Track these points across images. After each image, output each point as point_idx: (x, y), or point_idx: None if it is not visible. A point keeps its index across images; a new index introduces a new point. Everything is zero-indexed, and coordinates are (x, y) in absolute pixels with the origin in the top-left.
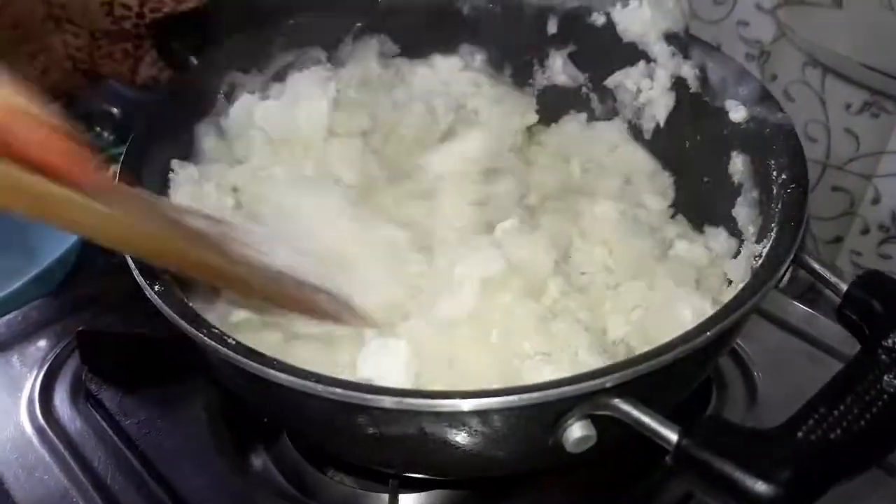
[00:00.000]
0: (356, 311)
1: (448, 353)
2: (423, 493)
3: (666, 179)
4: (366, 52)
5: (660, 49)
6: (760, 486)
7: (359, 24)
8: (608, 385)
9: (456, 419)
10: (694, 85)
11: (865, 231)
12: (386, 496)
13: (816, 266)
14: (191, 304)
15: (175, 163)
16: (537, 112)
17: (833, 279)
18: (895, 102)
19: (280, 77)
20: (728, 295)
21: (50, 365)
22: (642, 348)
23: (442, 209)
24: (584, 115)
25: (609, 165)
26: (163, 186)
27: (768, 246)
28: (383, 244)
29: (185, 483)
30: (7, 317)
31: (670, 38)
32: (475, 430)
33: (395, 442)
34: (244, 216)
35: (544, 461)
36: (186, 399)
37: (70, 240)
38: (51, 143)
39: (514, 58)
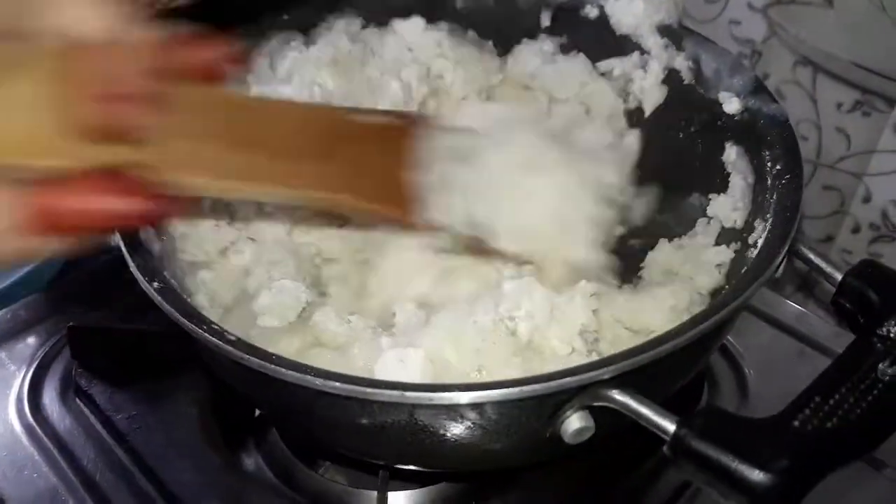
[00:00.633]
0: None
1: (475, 359)
2: (413, 491)
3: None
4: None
5: (653, 41)
6: (757, 475)
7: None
8: (606, 376)
9: (455, 412)
10: (687, 76)
11: (856, 230)
12: (374, 493)
13: (812, 256)
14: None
15: None
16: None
17: (828, 269)
18: (886, 101)
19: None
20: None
21: (39, 362)
22: None
23: None
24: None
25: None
26: None
27: (763, 236)
28: None
29: (174, 479)
30: None
31: (663, 30)
32: (474, 423)
33: (393, 435)
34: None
35: (542, 453)
36: (177, 394)
37: None
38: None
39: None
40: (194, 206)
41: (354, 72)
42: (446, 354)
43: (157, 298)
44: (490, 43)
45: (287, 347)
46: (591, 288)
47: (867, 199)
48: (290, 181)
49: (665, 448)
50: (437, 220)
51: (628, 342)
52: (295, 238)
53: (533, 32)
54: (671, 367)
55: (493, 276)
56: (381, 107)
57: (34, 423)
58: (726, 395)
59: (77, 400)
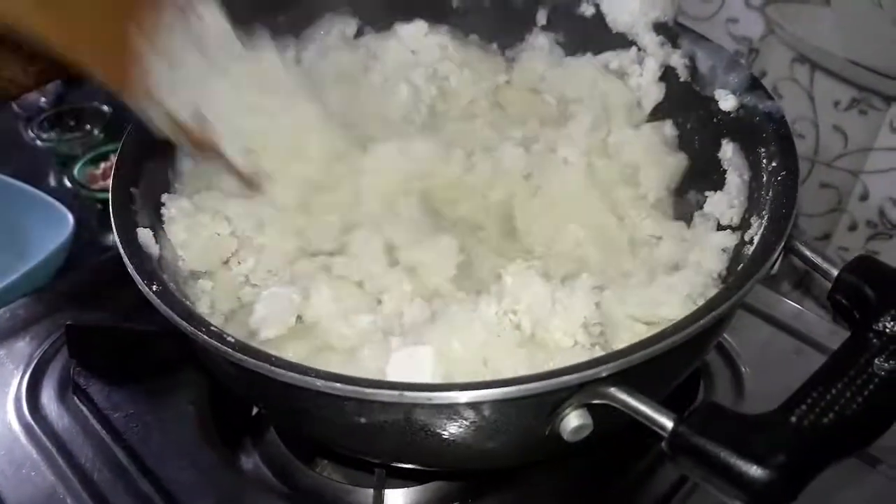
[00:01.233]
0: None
1: (480, 352)
2: (409, 489)
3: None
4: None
5: (649, 39)
6: (755, 471)
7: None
8: (604, 374)
9: (454, 411)
10: (683, 74)
11: (853, 227)
12: (370, 491)
13: (807, 252)
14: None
15: (165, 197)
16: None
17: (824, 265)
18: (883, 99)
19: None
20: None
21: (37, 362)
22: None
23: None
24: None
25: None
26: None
27: (759, 233)
28: None
29: (172, 477)
30: None
31: (659, 27)
32: (472, 422)
33: (392, 434)
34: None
35: (541, 451)
36: (175, 393)
37: (61, 237)
38: None
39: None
40: None
41: (358, 80)
42: (454, 349)
43: (156, 301)
44: (494, 45)
45: (295, 353)
46: (592, 281)
47: (864, 197)
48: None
49: (663, 444)
50: (158, 94)
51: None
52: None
53: (529, 31)
54: (669, 364)
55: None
56: (391, 112)
57: (32, 422)
58: (722, 393)
59: (75, 399)
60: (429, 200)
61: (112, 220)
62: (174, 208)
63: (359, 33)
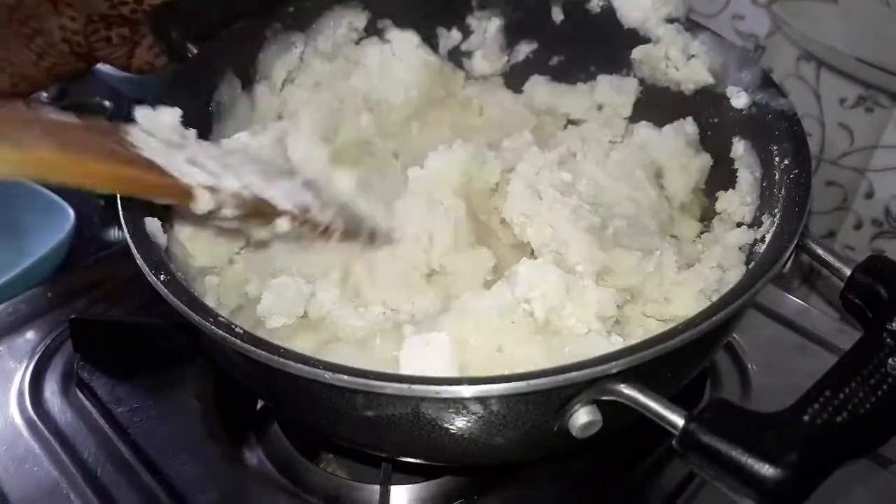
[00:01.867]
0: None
1: (495, 339)
2: (415, 486)
3: None
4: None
5: (664, 30)
6: (767, 469)
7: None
8: (614, 371)
9: (462, 405)
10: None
11: (859, 226)
12: (376, 487)
13: (820, 251)
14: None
15: None
16: None
17: (837, 264)
18: (889, 97)
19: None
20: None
21: (40, 357)
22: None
23: None
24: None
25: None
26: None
27: (771, 231)
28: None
29: (176, 472)
30: None
31: (671, 23)
32: (480, 416)
33: (399, 428)
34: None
35: (549, 447)
36: (179, 388)
37: (60, 234)
38: None
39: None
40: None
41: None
42: (468, 336)
43: (164, 291)
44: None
45: (303, 344)
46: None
47: (870, 195)
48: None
49: (674, 442)
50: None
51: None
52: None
53: (542, 29)
54: (679, 362)
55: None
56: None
57: (35, 417)
58: (729, 390)
59: (78, 393)
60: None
61: (120, 210)
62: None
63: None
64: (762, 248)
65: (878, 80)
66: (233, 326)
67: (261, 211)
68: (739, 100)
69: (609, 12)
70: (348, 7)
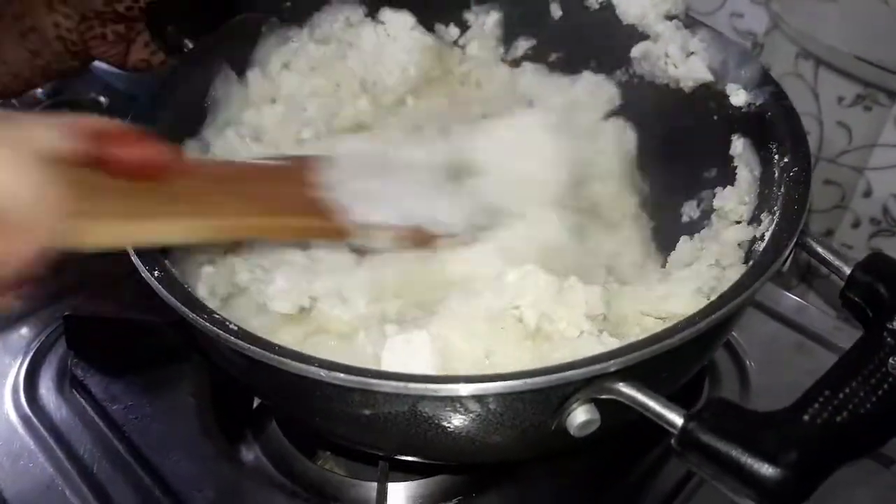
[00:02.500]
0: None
1: (482, 344)
2: (412, 483)
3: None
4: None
5: (664, 27)
6: (766, 469)
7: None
8: (612, 369)
9: (459, 404)
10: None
11: (857, 224)
12: (373, 484)
13: (820, 249)
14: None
15: None
16: None
17: (836, 262)
18: (888, 95)
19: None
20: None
21: (34, 353)
22: None
23: None
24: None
25: None
26: None
27: (771, 229)
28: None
29: (171, 469)
30: None
31: (670, 20)
32: (478, 415)
33: (396, 426)
34: None
35: (547, 446)
36: (174, 384)
37: None
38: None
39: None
40: None
41: (333, 67)
42: (454, 339)
43: (159, 288)
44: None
45: (288, 337)
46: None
47: (868, 194)
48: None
49: (673, 441)
50: (369, 220)
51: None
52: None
53: (540, 24)
54: (678, 360)
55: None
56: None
57: (30, 414)
58: (728, 388)
59: (73, 390)
60: None
61: None
62: None
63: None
64: (761, 246)
65: (877, 78)
66: (228, 324)
67: (414, 239)
68: (738, 97)
69: (608, 8)
70: (346, 2)
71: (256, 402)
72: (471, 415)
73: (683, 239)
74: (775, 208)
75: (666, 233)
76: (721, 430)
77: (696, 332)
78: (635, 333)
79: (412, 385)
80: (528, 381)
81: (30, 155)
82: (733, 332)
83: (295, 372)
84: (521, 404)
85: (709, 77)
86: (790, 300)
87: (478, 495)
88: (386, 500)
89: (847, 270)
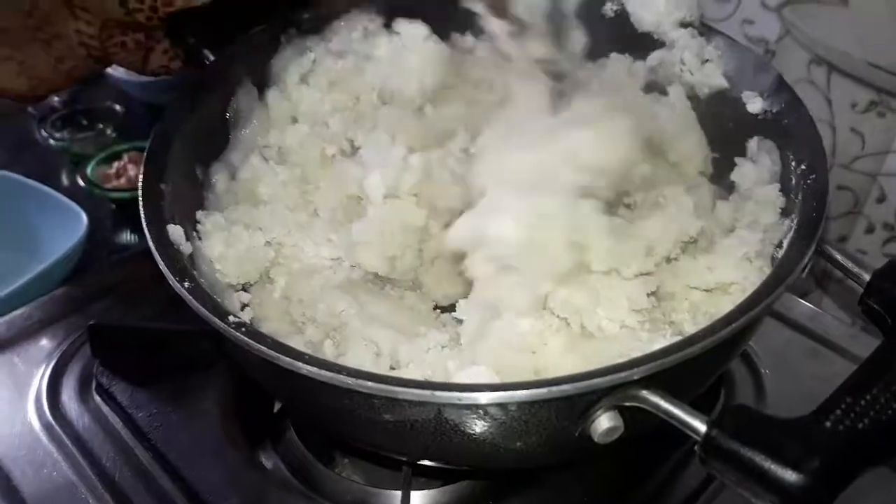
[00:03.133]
0: None
1: (532, 363)
2: (433, 491)
3: None
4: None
5: (678, 34)
6: (790, 476)
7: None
8: (636, 377)
9: (484, 411)
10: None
11: (870, 230)
12: (393, 492)
13: (838, 256)
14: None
15: (199, 214)
16: None
17: (855, 269)
18: None
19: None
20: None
21: (57, 361)
22: None
23: None
24: None
25: None
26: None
27: (790, 236)
28: None
29: (196, 477)
30: (13, 313)
31: (685, 27)
32: (503, 422)
33: (421, 433)
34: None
35: (571, 452)
36: (198, 392)
37: (75, 237)
38: None
39: None
40: None
41: (352, 81)
42: (507, 364)
43: (189, 299)
44: None
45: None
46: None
47: (881, 200)
48: None
49: (696, 448)
50: None
51: (705, 304)
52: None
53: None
54: (700, 367)
55: None
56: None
57: (53, 422)
58: (743, 395)
59: (97, 398)
60: None
61: (143, 218)
62: (209, 223)
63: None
64: (780, 253)
65: (890, 84)
66: (259, 334)
67: None
68: (755, 104)
69: (623, 16)
70: (363, 11)
71: (276, 407)
72: (495, 422)
73: (720, 203)
74: (794, 215)
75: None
76: (744, 437)
77: (717, 340)
78: (685, 307)
79: (438, 393)
80: (553, 388)
81: None
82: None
83: (325, 381)
84: (545, 412)
85: (724, 84)
86: (804, 307)
87: (500, 502)
88: None
89: (866, 277)
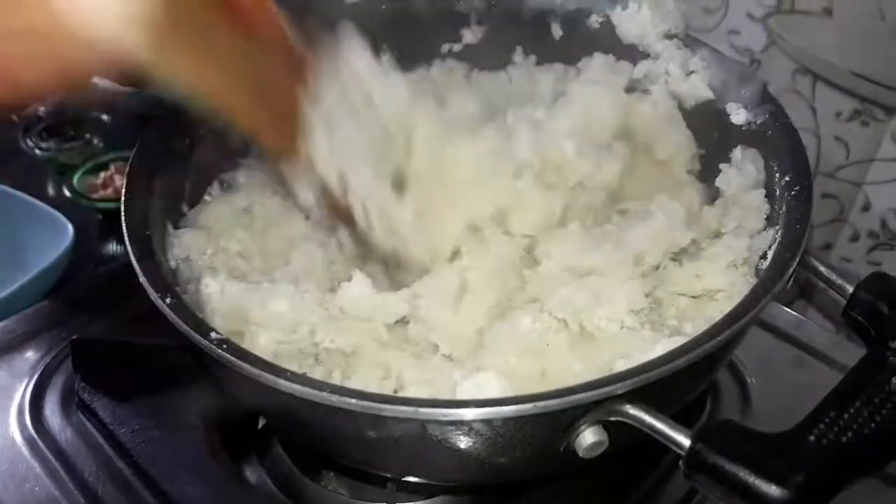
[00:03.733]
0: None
1: (536, 365)
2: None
3: None
4: None
5: (663, 46)
6: (773, 490)
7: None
8: (620, 391)
9: (468, 427)
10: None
11: (855, 238)
12: None
13: (822, 268)
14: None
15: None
16: None
17: (839, 281)
18: (885, 110)
19: None
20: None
21: (40, 375)
22: None
23: None
24: None
25: None
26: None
27: (774, 247)
28: None
29: (179, 492)
30: None
31: (670, 39)
32: (487, 437)
33: (406, 448)
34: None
35: (555, 466)
36: (181, 407)
37: (60, 247)
38: None
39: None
40: None
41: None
42: (512, 367)
43: (172, 315)
44: None
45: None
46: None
47: (866, 208)
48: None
49: (680, 463)
50: (314, 158)
51: (692, 310)
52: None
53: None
54: (684, 381)
55: None
56: None
57: (35, 436)
58: (729, 404)
59: (79, 413)
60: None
61: (125, 233)
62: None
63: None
64: (765, 264)
65: (874, 93)
66: (241, 350)
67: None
68: (739, 116)
69: (608, 28)
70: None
71: (262, 422)
72: (479, 437)
73: (706, 208)
74: (778, 227)
75: None
76: (728, 452)
77: (701, 353)
78: (672, 314)
79: (421, 410)
80: (538, 404)
81: None
82: None
83: (307, 398)
84: (530, 427)
85: (710, 95)
86: (790, 315)
87: None
88: None
89: (849, 289)
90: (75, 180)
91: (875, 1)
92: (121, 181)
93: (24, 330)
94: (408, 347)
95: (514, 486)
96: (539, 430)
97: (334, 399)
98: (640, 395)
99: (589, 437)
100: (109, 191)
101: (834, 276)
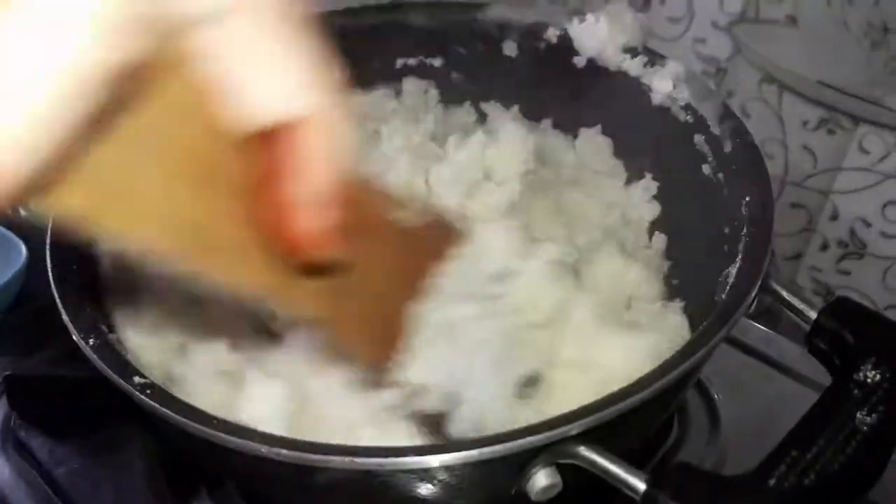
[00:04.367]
0: None
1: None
2: None
3: None
4: None
5: (621, 60)
6: None
7: None
8: (573, 433)
9: (414, 474)
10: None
11: (825, 247)
12: None
13: (784, 293)
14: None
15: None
16: None
17: (801, 306)
18: (851, 119)
19: None
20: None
21: None
22: None
23: None
24: None
25: None
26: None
27: (734, 273)
28: None
29: None
30: None
31: (629, 52)
32: (435, 483)
33: (350, 495)
34: None
35: None
36: (123, 445)
37: (11, 271)
38: None
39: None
40: None
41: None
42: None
43: (95, 358)
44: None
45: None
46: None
47: (834, 217)
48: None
49: None
50: (414, 381)
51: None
52: None
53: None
54: (641, 417)
55: None
56: None
57: None
58: (697, 422)
59: (16, 452)
60: None
61: (49, 267)
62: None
63: None
64: (725, 289)
65: (840, 102)
66: (167, 396)
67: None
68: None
69: (566, 42)
70: None
71: None
72: (427, 483)
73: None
74: (738, 250)
75: None
76: (684, 498)
77: (656, 390)
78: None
79: (357, 460)
80: (485, 450)
81: None
82: None
83: (237, 448)
84: (477, 473)
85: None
86: (758, 330)
87: None
88: None
89: (812, 315)
90: None
91: (839, 9)
92: None
93: None
94: None
95: None
96: (488, 475)
97: (264, 450)
98: (594, 436)
99: (542, 480)
100: None
101: (796, 302)
